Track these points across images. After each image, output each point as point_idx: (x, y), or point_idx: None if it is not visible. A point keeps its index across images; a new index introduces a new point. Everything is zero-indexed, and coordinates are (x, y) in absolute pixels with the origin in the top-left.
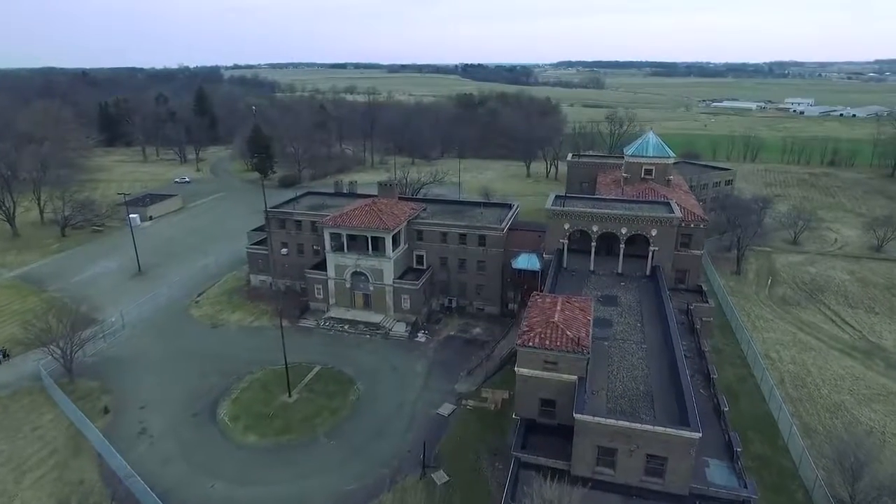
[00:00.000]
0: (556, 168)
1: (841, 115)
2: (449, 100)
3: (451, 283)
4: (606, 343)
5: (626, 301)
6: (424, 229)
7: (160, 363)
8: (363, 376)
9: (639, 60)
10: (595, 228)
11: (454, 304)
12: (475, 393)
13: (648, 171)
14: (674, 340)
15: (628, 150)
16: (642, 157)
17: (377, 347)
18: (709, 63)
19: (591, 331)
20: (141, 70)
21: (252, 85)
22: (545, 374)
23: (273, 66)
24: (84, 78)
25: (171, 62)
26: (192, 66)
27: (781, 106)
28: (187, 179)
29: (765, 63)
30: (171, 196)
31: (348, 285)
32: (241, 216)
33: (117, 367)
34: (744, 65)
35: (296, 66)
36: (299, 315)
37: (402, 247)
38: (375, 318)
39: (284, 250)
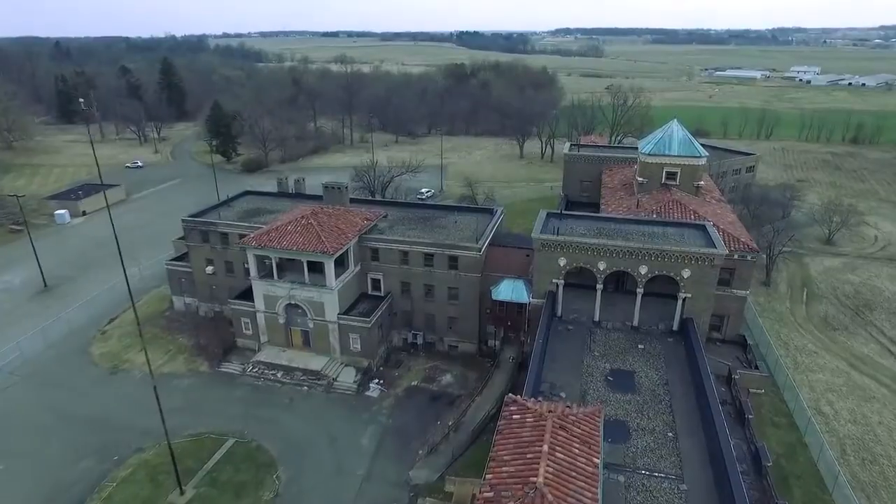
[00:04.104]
0: (552, 148)
1: (849, 83)
2: (439, 70)
3: (415, 313)
4: (623, 479)
5: (648, 381)
6: (380, 247)
7: (22, 436)
8: (289, 455)
9: (638, 27)
10: (602, 266)
11: (420, 341)
12: (437, 484)
13: (671, 175)
14: (733, 484)
15: (644, 146)
16: (664, 155)
17: (315, 406)
18: (710, 30)
19: (600, 489)
20: (126, 39)
21: (237, 55)
22: None
23: (263, 35)
24: (57, 48)
25: (159, 31)
26: (178, 34)
27: (787, 74)
28: (140, 164)
29: (767, 30)
30: (111, 186)
31: (282, 320)
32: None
33: None
34: (746, 31)
35: (287, 34)
36: (223, 355)
37: (352, 270)
38: (317, 362)
39: (210, 269)
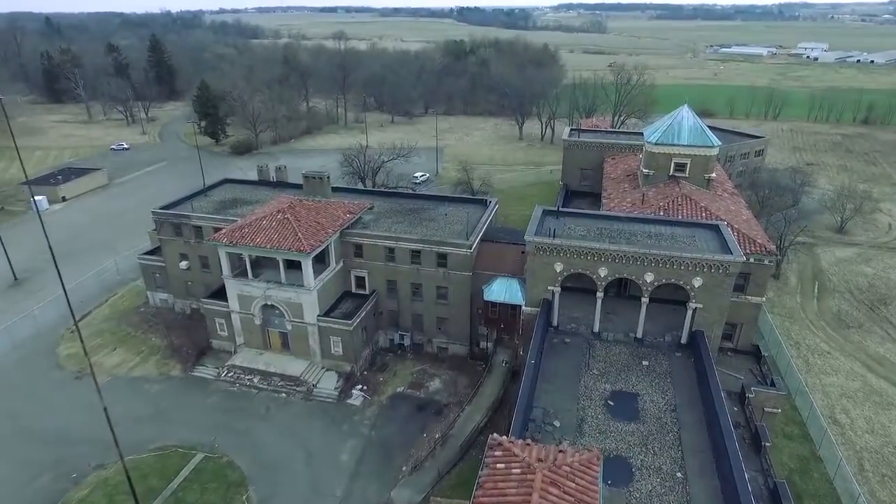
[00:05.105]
0: (553, 130)
1: (858, 60)
2: (437, 48)
3: (402, 313)
4: None
5: (654, 407)
6: (364, 243)
7: None
8: (262, 472)
9: (643, 3)
10: (604, 273)
11: (408, 342)
12: None
13: (680, 167)
14: None
15: (651, 135)
16: (672, 145)
17: (293, 416)
18: (715, 5)
19: None
20: (120, 15)
21: (233, 31)
22: None
23: (260, 10)
24: (47, 24)
25: (155, 6)
26: (174, 10)
27: (794, 51)
28: (125, 146)
29: (774, 4)
30: (93, 170)
31: (258, 322)
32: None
33: None
34: (752, 6)
35: (284, 9)
36: (197, 358)
37: (333, 267)
38: (296, 367)
39: (184, 264)
